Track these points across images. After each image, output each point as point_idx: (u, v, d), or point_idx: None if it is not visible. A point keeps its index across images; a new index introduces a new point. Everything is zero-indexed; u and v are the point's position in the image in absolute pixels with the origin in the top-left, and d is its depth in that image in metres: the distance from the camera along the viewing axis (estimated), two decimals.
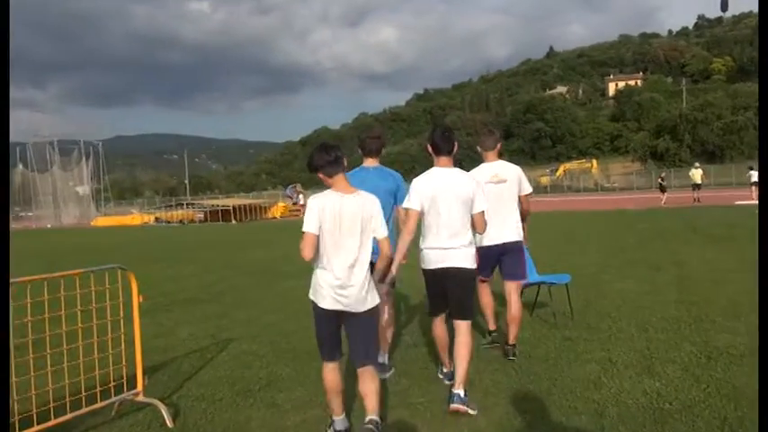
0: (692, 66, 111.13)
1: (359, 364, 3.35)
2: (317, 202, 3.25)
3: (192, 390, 4.40)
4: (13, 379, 3.19)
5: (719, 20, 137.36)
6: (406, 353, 5.07)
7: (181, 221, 41.35)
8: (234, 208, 39.56)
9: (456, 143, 4.01)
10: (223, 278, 10.43)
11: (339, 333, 3.37)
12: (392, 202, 4.33)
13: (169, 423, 3.72)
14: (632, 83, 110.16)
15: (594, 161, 67.27)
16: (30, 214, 57.73)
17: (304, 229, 3.19)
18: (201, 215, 42.54)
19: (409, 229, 3.88)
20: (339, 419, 3.39)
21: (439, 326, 4.14)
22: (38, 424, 3.32)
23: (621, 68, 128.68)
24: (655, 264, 9.16)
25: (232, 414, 3.90)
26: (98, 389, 3.69)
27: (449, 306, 3.98)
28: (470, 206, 3.87)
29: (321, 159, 3.29)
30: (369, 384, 3.30)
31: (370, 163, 4.42)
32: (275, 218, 40.96)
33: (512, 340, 4.74)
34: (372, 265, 3.43)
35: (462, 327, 3.88)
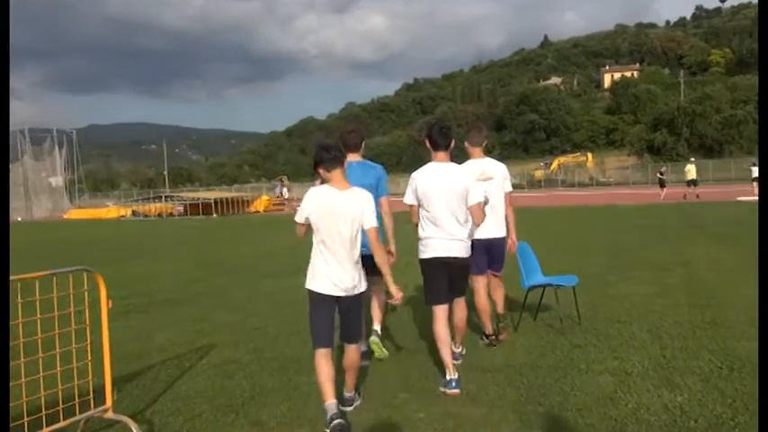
0: (689, 57, 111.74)
1: (347, 342, 3.86)
2: (313, 196, 3.70)
3: (168, 404, 4.14)
4: None
5: (718, 10, 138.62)
6: (405, 361, 4.83)
7: (159, 215, 40.88)
8: (215, 201, 39.13)
9: (453, 139, 4.40)
10: (203, 277, 10.18)
11: (333, 320, 3.74)
12: (375, 194, 4.46)
13: None
14: (628, 74, 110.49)
15: (590, 155, 67.46)
16: None
17: (296, 218, 3.73)
18: (181, 208, 42.08)
19: (413, 221, 4.39)
20: (331, 404, 3.59)
21: (440, 322, 4.24)
22: None
23: (617, 59, 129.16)
24: (661, 264, 9.01)
25: None
26: (61, 406, 3.41)
27: (449, 291, 4.35)
28: (466, 199, 4.22)
29: (322, 156, 3.73)
30: (352, 357, 3.85)
31: (351, 157, 4.63)
32: (258, 212, 40.59)
33: (500, 309, 5.27)
34: (364, 257, 3.82)
35: (457, 301, 4.48)
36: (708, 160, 53.92)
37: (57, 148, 58.55)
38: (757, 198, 17.35)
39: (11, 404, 3.22)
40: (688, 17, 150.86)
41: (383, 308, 5.00)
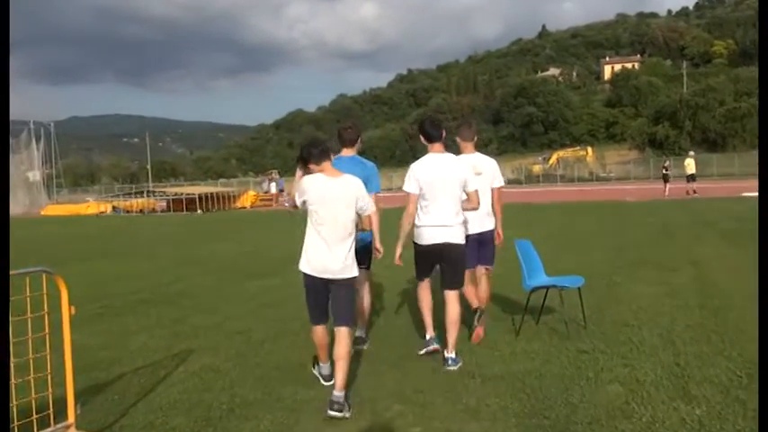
0: (692, 48, 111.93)
1: (337, 325, 4.08)
2: (310, 183, 4.05)
3: (139, 417, 3.92)
4: None
5: (721, 0, 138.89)
6: (400, 369, 4.63)
7: (141, 211, 40.47)
8: (199, 196, 38.78)
9: (444, 130, 4.79)
10: (184, 276, 9.96)
11: (327, 300, 4.09)
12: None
13: None
14: (629, 66, 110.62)
15: (590, 149, 67.49)
16: None
17: (294, 202, 4.17)
18: (164, 204, 41.68)
19: (409, 213, 4.71)
20: (325, 365, 4.26)
21: (424, 289, 4.86)
22: None
23: (618, 50, 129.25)
24: (668, 263, 8.87)
25: None
26: (16, 423, 3.19)
27: (442, 278, 4.78)
28: (464, 187, 4.69)
29: (311, 152, 4.09)
30: (342, 344, 4.00)
31: (346, 153, 5.08)
32: (245, 207, 40.28)
33: (482, 305, 5.38)
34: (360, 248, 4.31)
35: (452, 296, 4.73)
36: (711, 154, 54.00)
37: (34, 141, 57.91)
38: None
39: None
40: (690, 7, 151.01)
41: (369, 308, 5.30)
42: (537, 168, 63.91)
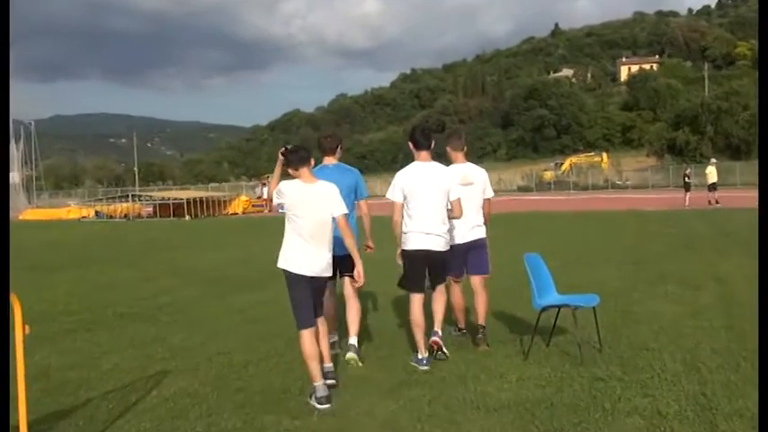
0: (714, 49, 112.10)
1: (315, 315, 4.58)
2: (288, 188, 4.52)
3: None
4: None
5: None
6: (395, 396, 4.45)
7: (125, 216, 40.43)
8: (188, 201, 38.71)
9: (433, 140, 5.26)
10: (166, 288, 9.83)
11: (312, 298, 4.49)
12: (353, 197, 5.42)
13: None
14: (647, 67, 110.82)
15: (605, 155, 67.30)
16: None
17: (274, 203, 4.64)
18: (150, 209, 41.64)
19: (396, 221, 5.18)
20: (319, 385, 4.32)
21: (417, 308, 5.17)
22: None
23: (635, 50, 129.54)
24: (691, 279, 8.70)
25: None
26: None
27: (429, 280, 5.23)
28: (448, 195, 5.11)
29: (291, 156, 4.60)
30: (322, 340, 4.65)
31: (328, 161, 5.50)
32: (236, 214, 40.21)
33: (481, 321, 5.62)
34: (340, 257, 4.85)
35: (438, 289, 5.35)
36: (734, 162, 53.80)
37: (13, 140, 57.90)
38: None
39: None
40: (712, 5, 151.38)
41: (359, 314, 5.50)
42: (548, 175, 63.81)
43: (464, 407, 4.18)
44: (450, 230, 5.31)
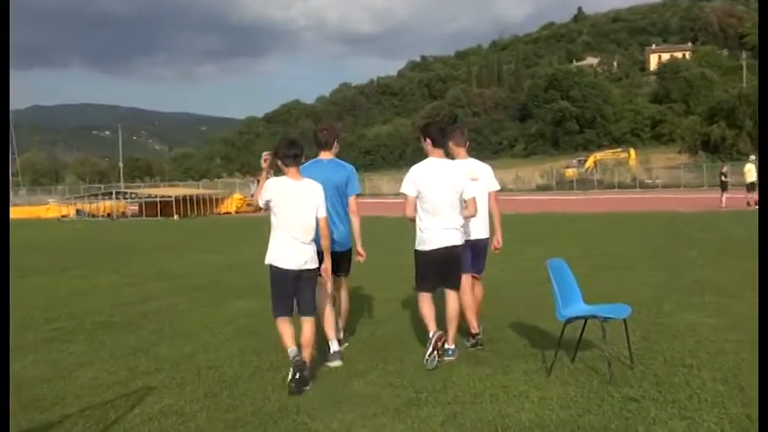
0: (752, 36, 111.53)
1: (303, 314, 5.19)
2: (274, 186, 5.08)
3: None
4: None
5: None
6: (403, 418, 4.38)
7: (109, 215, 40.58)
8: (177, 199, 38.80)
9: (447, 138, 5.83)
10: (152, 294, 9.82)
11: (292, 292, 5.13)
12: (345, 192, 5.82)
13: None
14: (679, 55, 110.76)
15: (632, 151, 67.29)
16: None
17: (259, 203, 5.19)
18: (135, 208, 41.76)
19: (409, 212, 5.59)
20: (292, 348, 5.07)
21: (426, 303, 5.61)
22: None
23: (666, 37, 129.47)
24: (728, 288, 8.63)
25: None
26: None
27: (442, 280, 5.62)
28: (462, 193, 5.53)
29: (284, 152, 5.13)
30: (307, 333, 5.16)
31: (324, 155, 5.87)
32: (229, 213, 40.27)
33: (476, 319, 6.06)
34: (333, 254, 5.41)
35: (452, 294, 5.65)
36: None
37: None
38: None
39: None
40: None
41: (345, 313, 6.12)
42: (571, 173, 63.80)
43: (480, 429, 4.11)
44: (463, 226, 5.68)
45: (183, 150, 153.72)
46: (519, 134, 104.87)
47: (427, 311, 5.57)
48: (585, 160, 67.06)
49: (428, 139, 5.63)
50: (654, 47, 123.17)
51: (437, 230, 5.48)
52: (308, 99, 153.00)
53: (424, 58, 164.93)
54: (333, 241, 5.44)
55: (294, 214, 5.03)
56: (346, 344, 6.06)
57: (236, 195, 44.01)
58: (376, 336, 6.58)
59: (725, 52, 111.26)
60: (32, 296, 9.77)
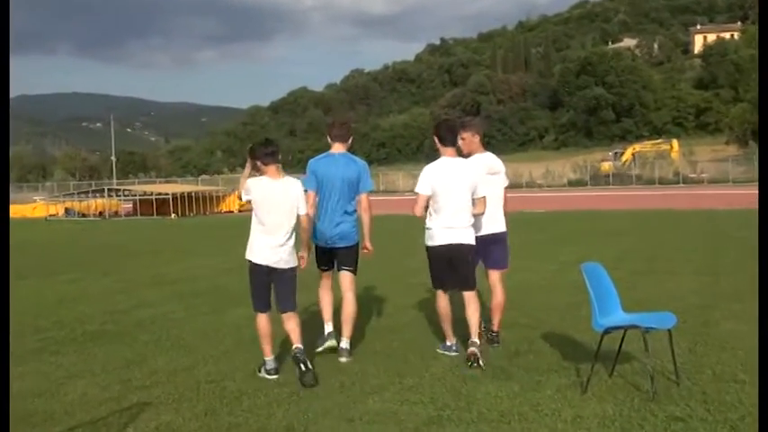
0: None
1: (282, 311, 5.82)
2: (255, 185, 5.71)
3: None
4: None
5: None
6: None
7: (100, 214, 40.96)
8: (174, 197, 39.10)
9: (458, 136, 6.23)
10: (147, 301, 9.93)
11: (269, 287, 5.76)
12: (356, 188, 6.18)
13: None
14: (726, 36, 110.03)
15: (675, 142, 67.03)
16: None
17: (243, 198, 5.84)
18: (129, 206, 42.11)
19: (418, 211, 6.06)
20: (270, 359, 5.74)
21: (443, 300, 6.13)
22: None
23: (712, 16, 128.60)
24: None
25: None
26: None
27: (456, 281, 6.07)
28: (474, 191, 6.00)
29: (261, 151, 5.74)
30: (292, 323, 5.79)
31: (336, 149, 6.21)
32: (231, 212, 40.50)
33: (496, 328, 6.47)
34: (338, 249, 6.22)
35: (469, 296, 6.07)
36: None
37: None
38: None
39: None
40: None
41: (354, 313, 6.27)
42: (607, 166, 63.78)
43: None
44: (475, 223, 6.12)
45: (181, 143, 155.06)
46: (549, 124, 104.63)
47: (443, 311, 6.09)
48: (623, 153, 66.92)
49: (437, 138, 6.12)
50: (699, 27, 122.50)
51: (443, 229, 5.94)
52: (317, 87, 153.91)
53: (443, 40, 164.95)
54: (337, 236, 6.10)
55: (271, 213, 5.61)
56: (351, 358, 6.17)
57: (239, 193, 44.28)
58: (392, 346, 6.59)
59: None
60: (18, 303, 9.82)
